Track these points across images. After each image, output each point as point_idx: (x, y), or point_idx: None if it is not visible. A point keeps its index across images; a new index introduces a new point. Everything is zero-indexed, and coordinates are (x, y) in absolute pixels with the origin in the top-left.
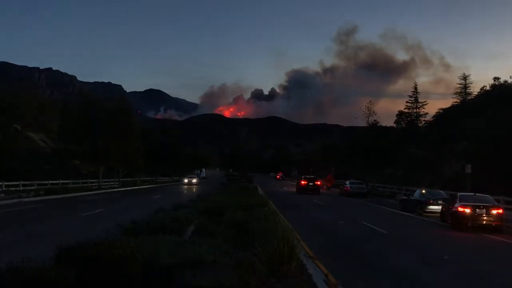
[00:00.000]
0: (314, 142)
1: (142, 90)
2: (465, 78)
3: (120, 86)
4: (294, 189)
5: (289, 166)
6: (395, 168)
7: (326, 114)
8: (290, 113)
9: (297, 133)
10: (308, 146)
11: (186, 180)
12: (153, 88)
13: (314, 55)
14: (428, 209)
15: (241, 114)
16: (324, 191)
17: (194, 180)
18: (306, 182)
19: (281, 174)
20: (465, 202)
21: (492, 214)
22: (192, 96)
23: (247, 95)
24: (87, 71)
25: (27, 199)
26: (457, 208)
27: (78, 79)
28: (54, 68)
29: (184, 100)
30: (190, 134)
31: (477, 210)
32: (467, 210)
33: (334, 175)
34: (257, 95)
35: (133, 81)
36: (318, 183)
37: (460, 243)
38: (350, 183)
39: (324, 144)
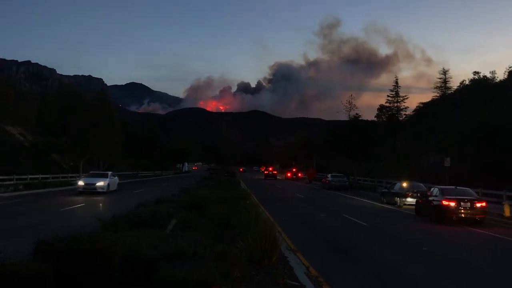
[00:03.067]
0: (295, 135)
1: (124, 84)
2: (444, 72)
3: (100, 79)
4: (275, 182)
5: (270, 159)
6: (376, 161)
7: (309, 108)
8: (274, 107)
9: (279, 127)
10: (290, 139)
11: (81, 183)
12: (135, 81)
13: (298, 48)
14: (408, 201)
15: (223, 108)
16: (306, 185)
17: (100, 184)
18: (267, 172)
19: (271, 168)
20: (448, 195)
21: (476, 208)
22: (177, 89)
23: (234, 88)
24: (67, 64)
25: (5, 194)
26: (441, 201)
27: (58, 72)
28: (33, 61)
29: (166, 94)
30: (173, 128)
31: (462, 203)
32: (452, 204)
33: (316, 168)
34: (244, 88)
35: (114, 74)
36: (275, 172)
37: (445, 236)
38: (332, 176)
39: (305, 138)
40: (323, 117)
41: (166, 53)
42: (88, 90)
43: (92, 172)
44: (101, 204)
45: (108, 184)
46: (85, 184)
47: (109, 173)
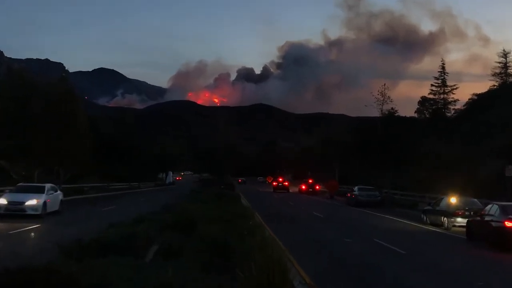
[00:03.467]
0: (312, 136)
1: (90, 70)
2: (505, 55)
3: (60, 64)
4: (286, 196)
5: (280, 167)
6: (417, 170)
7: (329, 101)
8: (284, 99)
9: (291, 125)
10: (305, 141)
11: (3, 201)
12: (105, 67)
13: (315, 24)
14: (458, 222)
15: (219, 101)
16: (325, 200)
17: (31, 203)
18: (276, 184)
19: (281, 179)
20: None
21: None
22: (159, 77)
23: (233, 76)
24: (18, 45)
25: None
26: (503, 222)
27: (5, 55)
28: None
29: (145, 83)
30: (154, 126)
31: None
32: None
33: (338, 179)
34: (246, 76)
35: (78, 58)
36: (286, 183)
37: (507, 267)
38: (359, 189)
39: (324, 139)
40: (348, 112)
41: (145, 30)
42: (45, 77)
43: (20, 184)
44: (60, 224)
45: (45, 203)
46: (8, 203)
47: (47, 186)
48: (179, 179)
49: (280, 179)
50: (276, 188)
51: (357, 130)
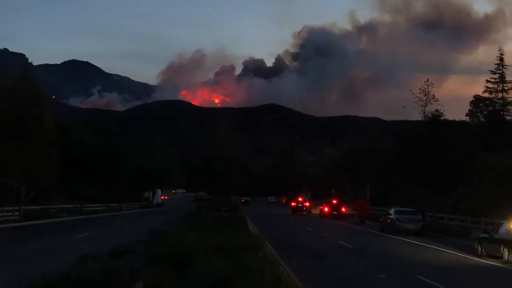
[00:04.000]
0: (336, 145)
1: (59, 63)
2: None
3: (22, 55)
4: (304, 220)
5: (297, 184)
6: (469, 188)
7: (359, 101)
8: (302, 99)
9: (310, 132)
10: (328, 152)
11: None
12: (78, 59)
13: (341, 4)
14: None
15: (219, 100)
16: (354, 226)
17: None
18: (295, 204)
19: (301, 199)
20: None
21: None
22: (145, 72)
23: (239, 70)
24: None
25: None
26: None
27: None
28: None
29: (128, 78)
30: (139, 133)
31: None
32: None
33: (369, 200)
34: (255, 69)
35: (44, 48)
36: (307, 204)
37: None
38: (396, 212)
39: (352, 149)
40: (382, 115)
41: (128, 14)
42: (3, 71)
43: None
44: (21, 255)
45: None
46: None
47: None
48: (164, 198)
49: (300, 199)
50: (295, 209)
51: (395, 137)
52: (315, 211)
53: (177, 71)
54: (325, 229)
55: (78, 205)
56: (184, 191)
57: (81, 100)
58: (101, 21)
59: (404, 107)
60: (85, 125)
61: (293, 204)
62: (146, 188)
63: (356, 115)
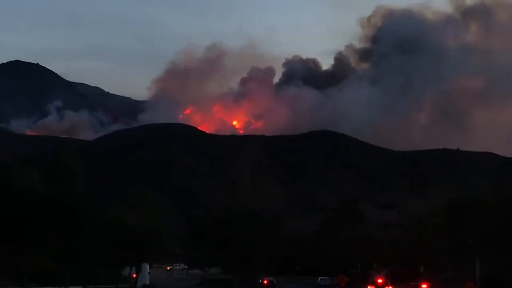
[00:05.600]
0: (427, 196)
1: None
2: None
3: None
4: None
5: (364, 256)
6: None
7: (463, 127)
8: (372, 122)
9: (385, 175)
10: (413, 205)
11: None
12: (24, 60)
13: None
14: None
15: (242, 125)
16: None
17: None
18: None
19: (381, 280)
20: None
21: None
22: (129, 81)
23: (278, 75)
24: None
25: None
26: None
27: None
28: None
29: (102, 91)
30: (118, 175)
31: None
32: None
33: (479, 282)
34: (302, 74)
35: None
36: None
37: None
38: None
39: (453, 202)
40: (500, 149)
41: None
42: None
43: None
44: None
45: None
46: None
47: None
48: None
49: (380, 281)
50: None
51: None
52: None
53: (179, 78)
54: None
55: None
56: (186, 266)
57: (29, 124)
58: (60, 3)
59: None
60: (32, 163)
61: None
62: (126, 262)
63: (458, 149)
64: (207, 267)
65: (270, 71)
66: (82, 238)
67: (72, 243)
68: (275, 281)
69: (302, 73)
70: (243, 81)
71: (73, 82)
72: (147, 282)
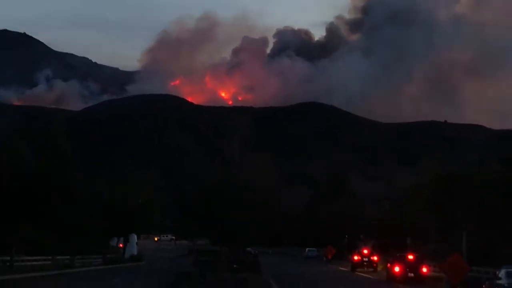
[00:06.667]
0: (416, 169)
1: None
2: None
3: None
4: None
5: (351, 228)
6: None
7: (452, 100)
8: (363, 94)
9: (375, 147)
10: (401, 178)
11: None
12: (12, 29)
13: None
14: None
15: (229, 97)
16: None
17: None
18: (359, 259)
19: (367, 251)
20: None
21: None
22: (119, 51)
23: (269, 45)
24: None
25: None
26: None
27: None
28: None
29: (89, 61)
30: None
31: None
32: None
33: (466, 255)
34: (294, 45)
35: None
36: (375, 258)
37: None
38: (510, 275)
39: (440, 175)
40: (488, 122)
41: None
42: None
43: None
44: None
45: None
46: None
47: None
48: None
49: (366, 251)
50: (356, 264)
51: (508, 157)
52: (381, 272)
53: (171, 49)
54: None
55: (9, 257)
56: (173, 237)
57: (18, 94)
58: None
59: None
60: (22, 133)
61: (356, 257)
62: (114, 233)
63: (445, 121)
64: (194, 238)
65: (263, 41)
66: (70, 210)
67: (61, 215)
68: (253, 252)
69: (294, 44)
70: (235, 52)
71: (61, 52)
72: (135, 252)
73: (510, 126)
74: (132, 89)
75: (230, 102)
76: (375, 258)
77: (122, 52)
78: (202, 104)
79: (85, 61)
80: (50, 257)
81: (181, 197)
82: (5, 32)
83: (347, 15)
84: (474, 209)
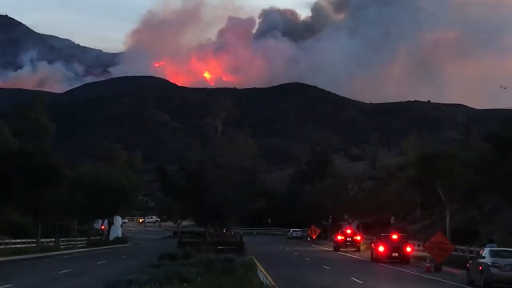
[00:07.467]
0: (399, 148)
1: None
2: None
3: None
4: (351, 263)
5: (335, 207)
6: None
7: (436, 80)
8: (347, 75)
9: (357, 127)
10: (384, 157)
11: None
12: None
13: None
14: None
15: (212, 77)
16: (426, 276)
17: None
18: (343, 239)
19: (350, 231)
20: None
21: None
22: (103, 33)
23: (255, 27)
24: None
25: None
26: None
27: None
28: None
29: (72, 43)
30: (89, 127)
31: None
32: None
33: (450, 234)
34: (282, 26)
35: None
36: (358, 238)
37: None
38: (493, 253)
39: (423, 154)
40: (471, 101)
41: None
42: None
43: None
44: None
45: None
46: None
47: None
48: (102, 228)
49: (349, 231)
50: (339, 244)
51: (490, 135)
52: (365, 252)
53: (156, 30)
54: (380, 281)
55: None
56: (158, 219)
57: (2, 77)
58: None
59: (505, 88)
60: (3, 116)
61: (339, 237)
62: (97, 215)
63: (429, 101)
64: (179, 220)
65: (250, 22)
66: (53, 192)
67: (44, 197)
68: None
69: (280, 24)
70: (221, 32)
71: (44, 35)
72: (120, 234)
73: (494, 105)
74: (116, 71)
75: (213, 84)
76: (358, 238)
77: (106, 34)
78: (185, 86)
79: (69, 43)
80: (34, 240)
81: (165, 177)
82: None
83: None
84: (457, 188)
